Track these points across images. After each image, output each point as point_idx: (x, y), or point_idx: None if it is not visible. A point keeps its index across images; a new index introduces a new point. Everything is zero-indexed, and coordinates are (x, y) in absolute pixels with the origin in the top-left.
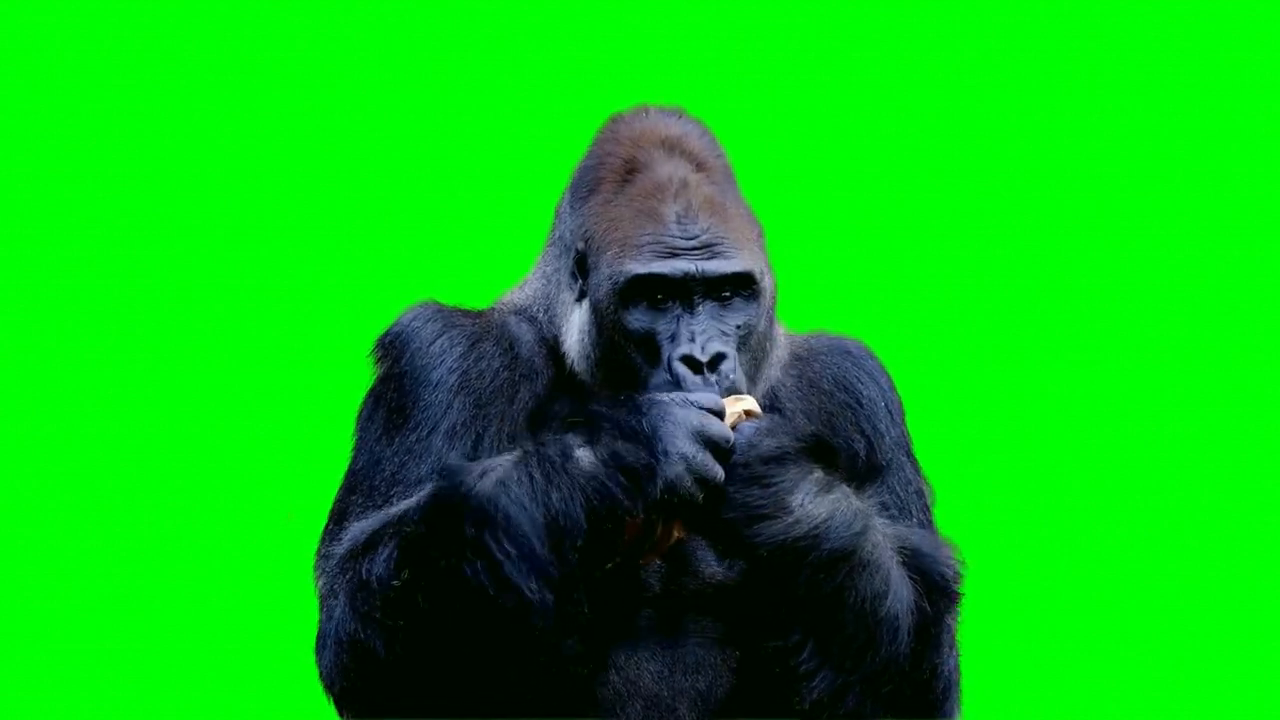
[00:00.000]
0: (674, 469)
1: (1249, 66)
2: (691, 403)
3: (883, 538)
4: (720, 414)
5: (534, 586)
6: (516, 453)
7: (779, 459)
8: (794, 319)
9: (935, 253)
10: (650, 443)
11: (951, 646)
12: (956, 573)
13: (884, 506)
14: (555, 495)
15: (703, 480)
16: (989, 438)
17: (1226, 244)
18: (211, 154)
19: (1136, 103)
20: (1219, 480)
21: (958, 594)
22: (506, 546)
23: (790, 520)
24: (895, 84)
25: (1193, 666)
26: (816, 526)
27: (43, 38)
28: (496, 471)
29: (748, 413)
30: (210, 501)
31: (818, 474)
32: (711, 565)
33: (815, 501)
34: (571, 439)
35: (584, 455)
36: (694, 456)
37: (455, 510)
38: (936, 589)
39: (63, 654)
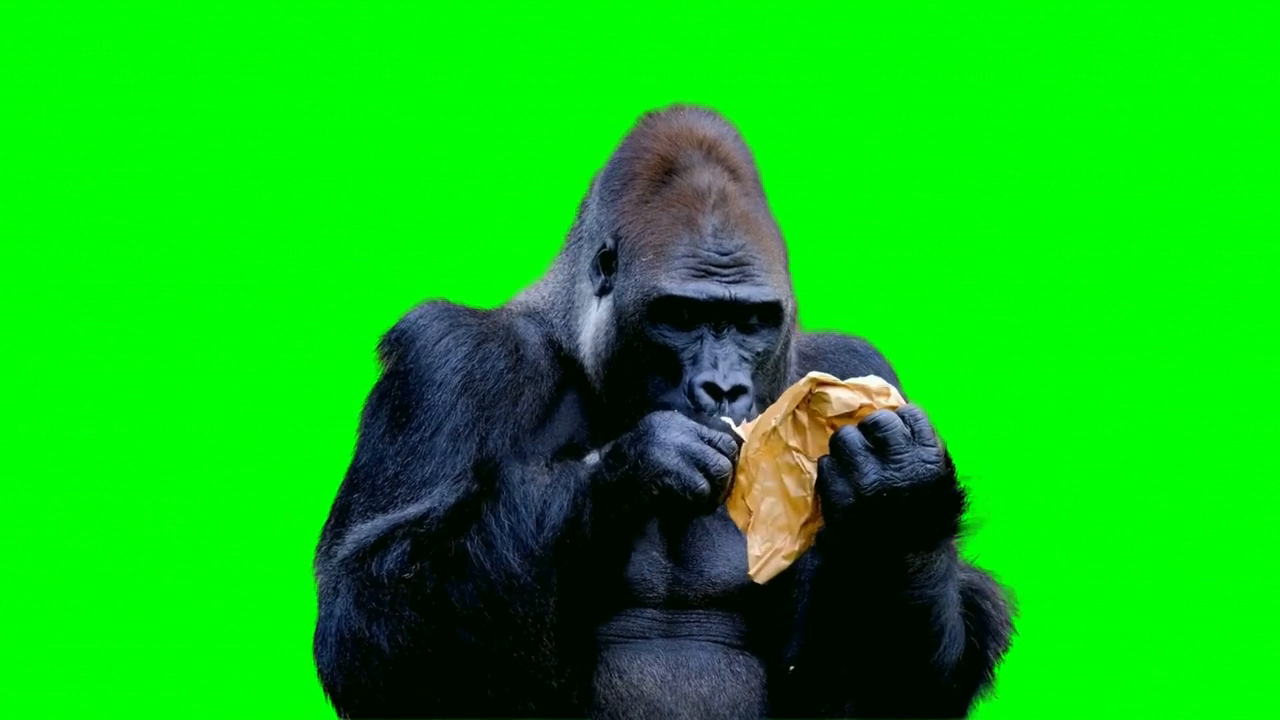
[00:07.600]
0: (668, 460)
1: (1249, 66)
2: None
3: (954, 590)
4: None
5: (518, 560)
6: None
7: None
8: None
9: (937, 252)
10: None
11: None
12: (1010, 617)
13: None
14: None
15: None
16: (988, 435)
17: (1231, 244)
18: (222, 153)
19: (1143, 105)
20: (1220, 476)
21: (1008, 640)
22: (503, 519)
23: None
24: (901, 84)
25: (1194, 663)
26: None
27: (43, 38)
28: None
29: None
30: (213, 499)
31: None
32: (717, 568)
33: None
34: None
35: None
36: (687, 449)
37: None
38: (989, 632)
39: (62, 651)
